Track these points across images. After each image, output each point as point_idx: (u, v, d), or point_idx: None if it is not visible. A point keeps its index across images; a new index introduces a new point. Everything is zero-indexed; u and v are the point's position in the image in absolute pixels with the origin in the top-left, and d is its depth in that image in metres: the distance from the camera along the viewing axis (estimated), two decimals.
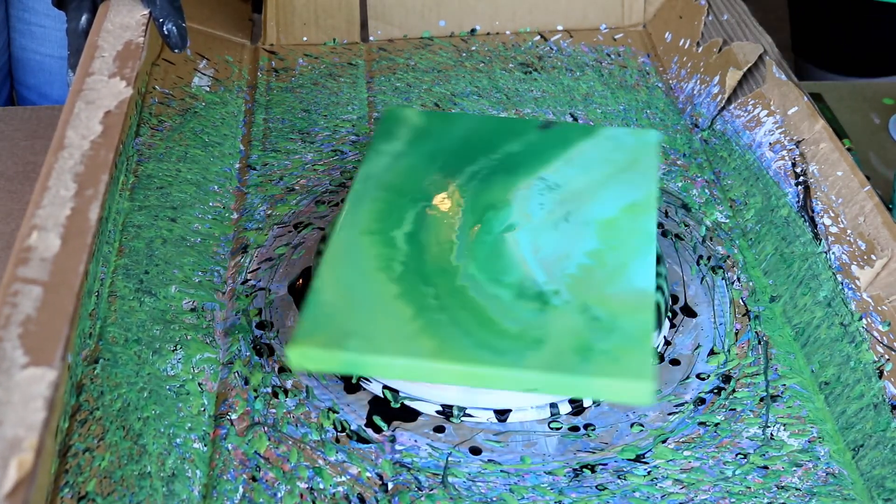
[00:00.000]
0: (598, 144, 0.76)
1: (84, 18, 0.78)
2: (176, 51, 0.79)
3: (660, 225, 0.80)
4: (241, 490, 0.59)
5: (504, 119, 0.87)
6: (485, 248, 0.66)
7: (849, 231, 0.70)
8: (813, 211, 0.73)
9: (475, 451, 0.63)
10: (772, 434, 0.63)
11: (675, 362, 0.69)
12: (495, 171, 0.72)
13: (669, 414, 0.65)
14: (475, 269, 0.64)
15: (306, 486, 0.60)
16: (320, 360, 0.58)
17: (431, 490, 0.60)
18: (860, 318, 0.66)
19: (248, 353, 0.68)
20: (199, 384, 0.65)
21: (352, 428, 0.64)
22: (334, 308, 0.60)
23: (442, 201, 0.69)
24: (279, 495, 0.59)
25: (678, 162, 0.86)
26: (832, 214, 0.72)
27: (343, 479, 0.60)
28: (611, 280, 0.63)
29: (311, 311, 0.59)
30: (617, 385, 0.57)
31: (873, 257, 0.67)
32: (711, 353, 0.69)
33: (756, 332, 0.70)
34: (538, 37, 1.03)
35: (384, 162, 0.72)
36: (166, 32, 0.78)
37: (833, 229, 0.71)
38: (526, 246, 0.66)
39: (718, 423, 0.64)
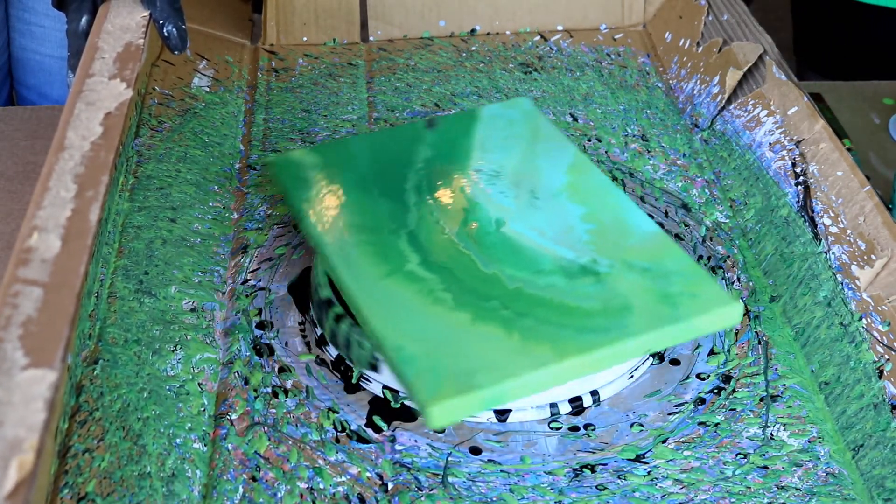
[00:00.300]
0: (491, 125, 0.79)
1: (84, 20, 0.78)
2: (176, 52, 0.79)
3: (660, 225, 0.80)
4: (241, 490, 0.59)
5: (389, 131, 0.86)
6: (499, 249, 0.66)
7: (849, 231, 0.70)
8: (813, 211, 0.73)
9: (475, 451, 0.63)
10: (772, 434, 0.63)
11: (674, 362, 0.69)
12: (431, 178, 0.73)
13: (669, 414, 0.65)
14: (512, 269, 0.65)
15: (306, 486, 0.60)
16: (461, 408, 0.57)
17: (431, 490, 0.60)
18: (860, 318, 0.66)
19: (248, 353, 0.68)
20: (199, 384, 0.65)
21: (352, 428, 0.64)
22: (430, 357, 0.59)
23: (419, 224, 0.69)
24: (279, 495, 0.59)
25: (678, 162, 0.86)
26: (832, 214, 0.72)
27: (343, 479, 0.60)
28: (624, 234, 0.67)
29: (413, 369, 0.58)
30: (712, 317, 0.62)
31: (873, 257, 0.67)
32: (711, 353, 0.69)
33: (756, 332, 0.70)
34: (538, 37, 1.03)
35: (323, 209, 0.71)
36: (166, 34, 0.78)
37: (833, 229, 0.71)
38: (530, 233, 0.68)
39: (718, 423, 0.64)
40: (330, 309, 0.67)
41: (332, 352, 0.68)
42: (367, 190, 0.72)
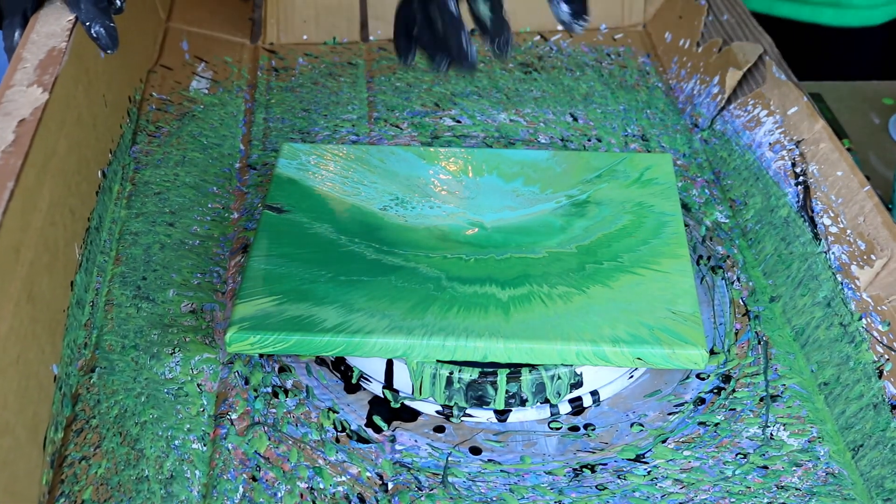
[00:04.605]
0: None
1: (17, 34, 0.75)
2: (108, 52, 0.76)
3: None
4: (241, 490, 0.59)
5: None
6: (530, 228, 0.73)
7: (848, 231, 0.70)
8: (813, 211, 0.73)
9: (475, 451, 0.63)
10: (772, 434, 0.63)
11: None
12: (395, 202, 0.75)
13: (669, 414, 0.65)
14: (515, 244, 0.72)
15: (306, 485, 0.60)
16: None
17: (431, 490, 0.60)
18: (860, 318, 0.66)
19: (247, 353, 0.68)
20: (199, 385, 0.65)
21: (352, 428, 0.64)
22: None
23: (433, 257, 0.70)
24: (279, 495, 0.59)
25: (678, 162, 0.86)
26: (832, 214, 0.72)
27: (343, 479, 0.60)
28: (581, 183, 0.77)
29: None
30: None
31: (873, 257, 0.67)
32: (711, 352, 0.69)
33: (756, 332, 0.70)
34: (538, 37, 1.03)
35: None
36: (95, 35, 0.75)
37: (833, 229, 0.71)
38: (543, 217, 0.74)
39: (718, 423, 0.64)
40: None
41: None
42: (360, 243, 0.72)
